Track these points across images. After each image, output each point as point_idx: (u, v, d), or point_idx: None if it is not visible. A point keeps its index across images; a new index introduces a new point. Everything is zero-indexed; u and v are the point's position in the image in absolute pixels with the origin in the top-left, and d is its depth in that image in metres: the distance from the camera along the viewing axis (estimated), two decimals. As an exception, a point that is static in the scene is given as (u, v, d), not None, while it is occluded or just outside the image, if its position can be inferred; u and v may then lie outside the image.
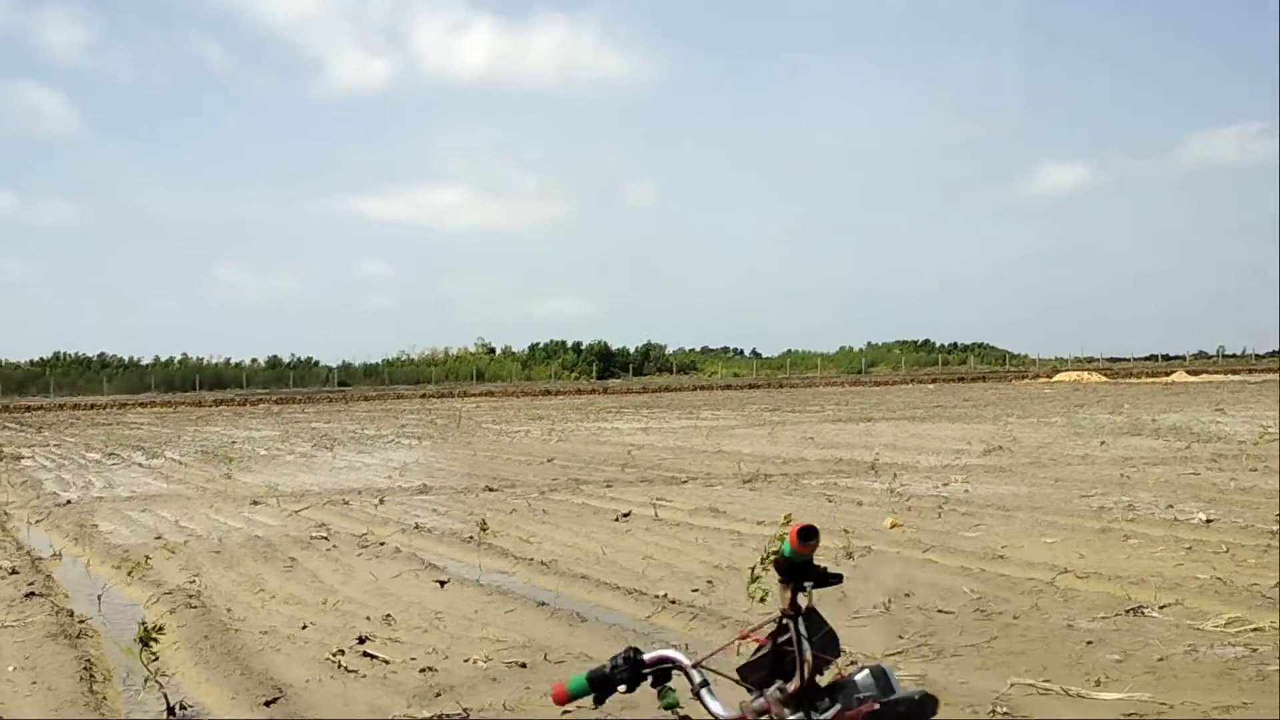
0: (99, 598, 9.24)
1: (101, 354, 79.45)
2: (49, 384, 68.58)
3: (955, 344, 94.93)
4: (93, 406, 58.59)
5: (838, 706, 2.02)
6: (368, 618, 8.24)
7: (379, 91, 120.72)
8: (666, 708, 2.18)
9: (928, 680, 6.31)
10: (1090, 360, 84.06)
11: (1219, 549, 10.07)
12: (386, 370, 79.92)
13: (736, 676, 2.17)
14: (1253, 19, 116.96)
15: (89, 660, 7.19)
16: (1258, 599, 8.03)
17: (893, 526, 11.87)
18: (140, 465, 22.65)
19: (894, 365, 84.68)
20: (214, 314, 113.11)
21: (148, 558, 10.37)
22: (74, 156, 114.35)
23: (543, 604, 8.57)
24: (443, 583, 9.51)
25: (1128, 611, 7.81)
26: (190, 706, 6.27)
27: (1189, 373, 70.50)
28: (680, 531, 12.09)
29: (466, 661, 7.00)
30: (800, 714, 2.04)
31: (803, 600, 2.11)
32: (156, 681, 6.18)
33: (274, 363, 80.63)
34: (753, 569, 7.31)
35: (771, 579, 7.49)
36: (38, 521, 14.36)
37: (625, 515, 13.29)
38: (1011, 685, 6.18)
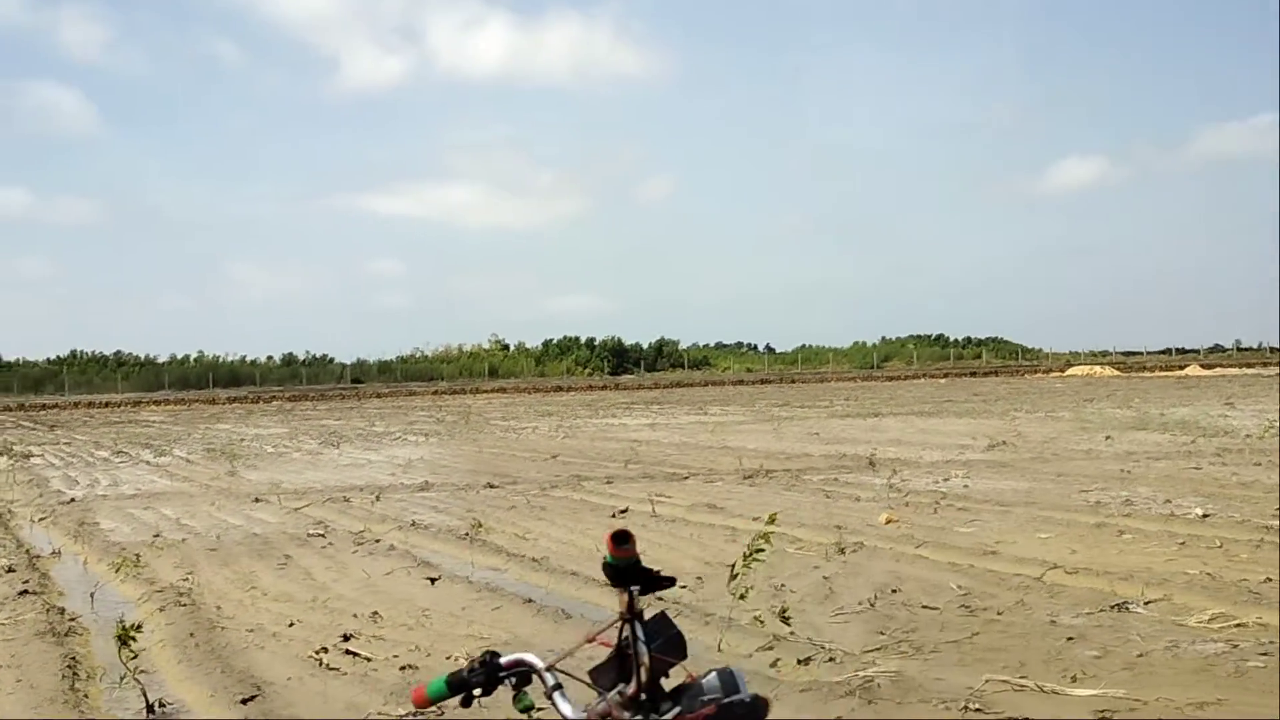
0: (92, 595, 9.30)
1: (117, 352, 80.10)
2: (64, 382, 69.06)
3: (969, 339, 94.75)
4: (107, 405, 58.96)
5: (678, 709, 2.03)
6: (355, 615, 8.29)
7: (393, 89, 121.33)
8: (522, 710, 2.19)
9: (904, 677, 6.30)
10: (1104, 354, 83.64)
11: (1212, 544, 10.01)
12: (400, 367, 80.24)
13: (589, 680, 2.18)
14: (1272, 10, 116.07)
15: (74, 658, 7.24)
16: (1244, 594, 7.98)
17: (888, 522, 11.85)
18: (148, 463, 22.79)
19: (907, 360, 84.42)
20: (228, 312, 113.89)
21: (138, 556, 10.45)
22: (90, 154, 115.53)
23: (530, 601, 8.59)
24: (433, 580, 9.55)
25: (1113, 607, 7.78)
26: (170, 704, 6.31)
27: (1203, 366, 70.13)
28: (676, 528, 12.10)
29: (448, 659, 7.01)
30: (640, 717, 2.05)
31: (642, 604, 2.11)
32: (136, 679, 6.22)
33: (289, 360, 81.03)
34: (732, 566, 7.33)
35: (754, 575, 7.40)
36: (40, 519, 14.47)
37: (622, 512, 13.32)
38: (986, 681, 6.16)
